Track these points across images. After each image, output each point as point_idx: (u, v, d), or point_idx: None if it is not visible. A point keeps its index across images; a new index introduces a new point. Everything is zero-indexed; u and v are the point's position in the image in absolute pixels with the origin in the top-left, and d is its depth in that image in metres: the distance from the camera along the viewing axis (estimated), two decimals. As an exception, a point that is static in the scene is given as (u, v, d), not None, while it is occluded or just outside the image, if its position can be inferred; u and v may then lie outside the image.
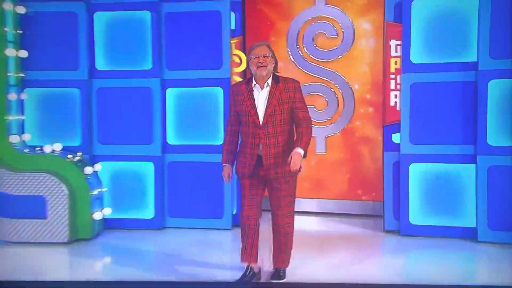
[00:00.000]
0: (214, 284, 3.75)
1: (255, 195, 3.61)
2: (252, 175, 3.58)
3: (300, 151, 3.44)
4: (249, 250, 3.60)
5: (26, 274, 4.14)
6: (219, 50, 5.18)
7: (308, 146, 3.53)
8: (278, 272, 3.77)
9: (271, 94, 3.53)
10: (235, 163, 3.72)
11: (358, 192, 5.92)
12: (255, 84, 3.57)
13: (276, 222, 3.66)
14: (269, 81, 3.56)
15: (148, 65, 5.22)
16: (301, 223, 5.56)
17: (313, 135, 5.71)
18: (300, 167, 3.49)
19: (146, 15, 5.17)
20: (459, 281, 3.89)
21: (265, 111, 3.51)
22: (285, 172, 3.53)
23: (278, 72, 3.68)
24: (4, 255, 4.62)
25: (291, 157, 3.41)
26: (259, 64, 3.50)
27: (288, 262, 3.79)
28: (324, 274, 4.05)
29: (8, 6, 4.92)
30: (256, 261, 3.65)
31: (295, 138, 3.59)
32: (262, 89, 3.56)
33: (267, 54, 3.53)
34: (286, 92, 3.54)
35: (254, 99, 3.55)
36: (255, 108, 3.54)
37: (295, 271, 3.94)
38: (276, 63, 3.63)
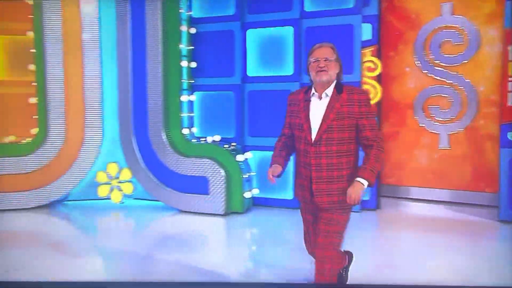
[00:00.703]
0: (219, 284, 3.74)
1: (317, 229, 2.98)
2: (307, 202, 3.01)
3: (363, 181, 2.75)
4: None
5: (196, 236, 5.15)
6: (350, 58, 5.64)
7: (377, 172, 2.82)
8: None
9: (329, 107, 2.85)
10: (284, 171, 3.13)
11: (479, 184, 6.12)
12: (313, 93, 2.93)
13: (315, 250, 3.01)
14: (329, 90, 2.88)
15: (289, 71, 5.98)
16: (424, 210, 6.08)
17: (436, 132, 6.28)
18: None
19: (289, 30, 5.94)
20: None
21: (320, 126, 2.85)
22: (342, 202, 2.85)
23: (342, 80, 2.98)
24: (176, 220, 5.70)
25: (350, 188, 2.77)
26: (319, 68, 2.84)
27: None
28: (448, 254, 4.45)
29: (183, 28, 6.13)
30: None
31: (363, 162, 2.84)
32: (320, 100, 2.90)
33: (330, 58, 2.87)
34: (349, 105, 2.83)
35: (309, 111, 2.91)
36: (308, 122, 2.89)
37: (422, 248, 4.45)
38: (341, 69, 2.94)
